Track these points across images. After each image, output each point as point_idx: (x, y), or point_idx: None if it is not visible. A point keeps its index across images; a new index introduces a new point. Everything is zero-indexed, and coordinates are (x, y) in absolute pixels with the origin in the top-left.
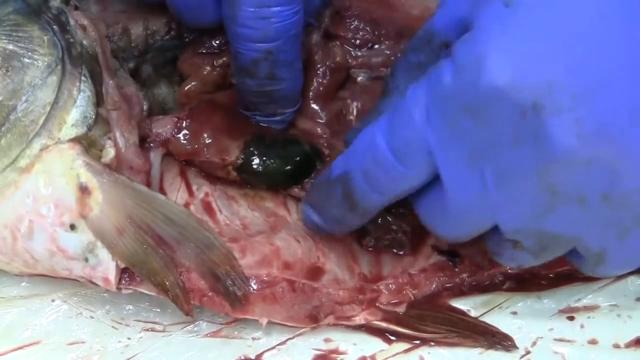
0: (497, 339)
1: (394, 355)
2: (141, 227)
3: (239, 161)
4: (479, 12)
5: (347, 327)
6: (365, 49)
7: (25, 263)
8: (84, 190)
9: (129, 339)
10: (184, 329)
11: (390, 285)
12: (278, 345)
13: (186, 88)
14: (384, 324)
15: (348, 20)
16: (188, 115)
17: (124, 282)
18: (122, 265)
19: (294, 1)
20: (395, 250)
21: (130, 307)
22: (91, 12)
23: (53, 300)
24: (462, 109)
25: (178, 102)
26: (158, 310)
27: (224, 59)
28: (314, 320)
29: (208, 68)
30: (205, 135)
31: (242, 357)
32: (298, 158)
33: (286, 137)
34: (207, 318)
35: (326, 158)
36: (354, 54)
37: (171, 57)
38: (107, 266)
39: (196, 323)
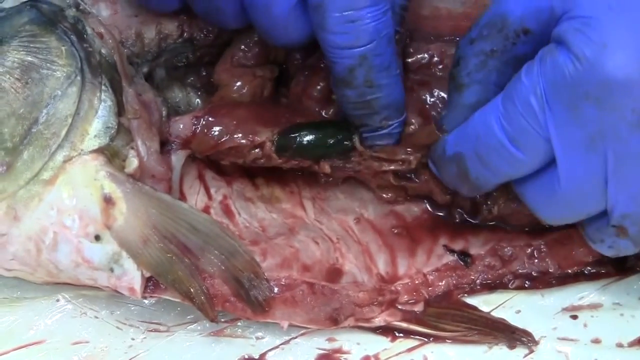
0: (517, 336)
1: (397, 355)
2: (166, 236)
3: (273, 139)
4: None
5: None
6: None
7: (48, 273)
8: (108, 200)
9: (132, 339)
10: (188, 328)
11: (407, 285)
12: (282, 344)
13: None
14: (404, 325)
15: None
16: (207, 112)
17: (148, 290)
18: (147, 275)
19: (381, 1)
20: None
21: (134, 307)
22: (102, 17)
23: (57, 300)
24: (583, 96)
25: (210, 102)
26: (162, 310)
27: (265, 71)
28: (334, 322)
29: (247, 79)
30: (230, 124)
31: (246, 356)
32: (334, 129)
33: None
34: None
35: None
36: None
37: (184, 60)
38: (132, 276)
39: (199, 322)
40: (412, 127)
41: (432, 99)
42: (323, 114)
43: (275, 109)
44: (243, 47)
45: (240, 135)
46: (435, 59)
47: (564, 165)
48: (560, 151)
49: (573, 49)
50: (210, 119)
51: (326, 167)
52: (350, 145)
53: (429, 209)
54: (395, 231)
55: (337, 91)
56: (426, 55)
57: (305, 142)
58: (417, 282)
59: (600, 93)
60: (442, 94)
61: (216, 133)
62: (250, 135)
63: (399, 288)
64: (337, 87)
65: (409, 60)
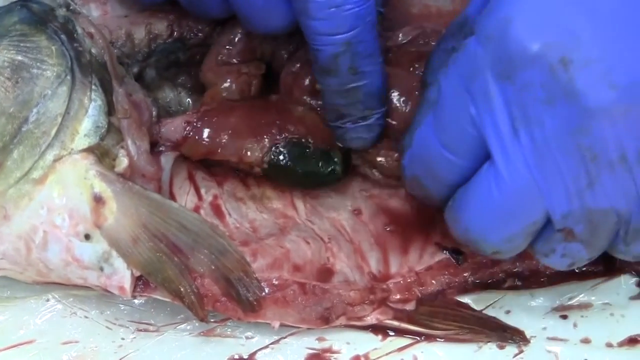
0: (509, 334)
1: (387, 354)
2: (156, 235)
3: (263, 161)
4: None
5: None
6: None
7: (38, 272)
8: (98, 200)
9: (122, 339)
10: (177, 328)
11: (399, 284)
12: (271, 344)
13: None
14: (395, 323)
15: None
16: (200, 116)
17: (138, 289)
18: (137, 274)
19: None
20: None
21: (124, 307)
22: (92, 17)
23: (47, 300)
24: (496, 76)
25: (201, 103)
26: (152, 310)
27: (251, 68)
28: (325, 321)
29: (233, 77)
30: (221, 134)
31: (236, 356)
32: (327, 166)
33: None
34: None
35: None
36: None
37: (174, 60)
38: (122, 275)
39: (189, 322)
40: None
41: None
42: (313, 103)
43: (266, 114)
44: (227, 45)
45: (230, 151)
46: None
47: (497, 157)
48: (492, 140)
49: (480, 30)
50: (201, 125)
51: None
52: (337, 175)
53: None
54: (388, 229)
55: (320, 80)
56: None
57: (291, 174)
58: (409, 280)
59: (512, 71)
60: None
61: (206, 142)
62: (240, 153)
63: (391, 286)
64: (321, 76)
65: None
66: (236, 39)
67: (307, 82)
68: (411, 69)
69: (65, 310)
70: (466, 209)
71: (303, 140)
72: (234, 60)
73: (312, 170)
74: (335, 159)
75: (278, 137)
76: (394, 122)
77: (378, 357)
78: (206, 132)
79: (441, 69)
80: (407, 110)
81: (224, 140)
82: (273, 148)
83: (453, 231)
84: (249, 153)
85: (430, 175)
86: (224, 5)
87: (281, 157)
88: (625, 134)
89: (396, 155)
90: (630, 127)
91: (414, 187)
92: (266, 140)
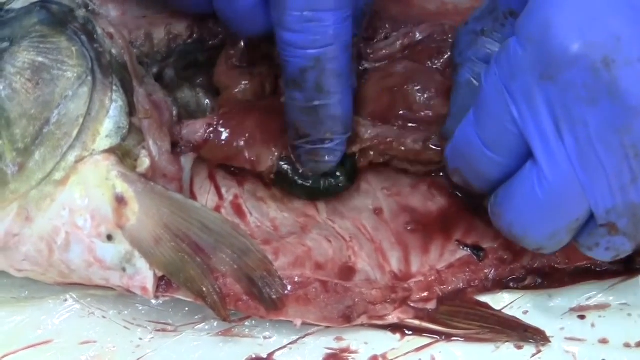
0: (530, 334)
1: (405, 354)
2: (178, 235)
3: (272, 171)
4: None
5: (359, 325)
6: (381, 42)
7: (60, 274)
8: (120, 200)
9: (140, 339)
10: (195, 328)
11: (420, 283)
12: (289, 344)
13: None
14: (416, 322)
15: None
16: (220, 120)
17: (161, 290)
18: (160, 274)
19: (343, 6)
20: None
21: (142, 307)
22: (111, 17)
23: (65, 300)
24: (539, 78)
25: (218, 106)
26: (170, 310)
27: (262, 69)
28: (347, 320)
29: (246, 79)
30: (238, 142)
31: (254, 356)
32: (330, 180)
33: None
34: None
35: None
36: (369, 50)
37: (193, 61)
38: (144, 275)
39: (207, 322)
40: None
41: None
42: None
43: (278, 120)
44: (236, 49)
45: (245, 157)
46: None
47: (540, 156)
48: (533, 140)
49: (521, 31)
50: (221, 129)
51: None
52: (341, 187)
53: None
54: (409, 227)
55: (286, 92)
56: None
57: (296, 186)
58: (430, 279)
59: (554, 71)
60: None
61: (225, 148)
62: (253, 161)
63: (412, 285)
64: (287, 88)
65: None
66: (243, 42)
67: None
68: (429, 64)
69: (83, 310)
70: (509, 206)
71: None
72: (243, 64)
73: (316, 185)
74: (338, 173)
75: (286, 147)
76: (421, 114)
77: (396, 357)
78: (225, 137)
79: (471, 46)
80: (430, 103)
81: (239, 147)
82: (281, 159)
83: (497, 225)
84: (261, 162)
85: (471, 171)
86: (207, 4)
87: (286, 169)
88: None
89: (430, 143)
90: None
91: (456, 178)
92: (275, 149)
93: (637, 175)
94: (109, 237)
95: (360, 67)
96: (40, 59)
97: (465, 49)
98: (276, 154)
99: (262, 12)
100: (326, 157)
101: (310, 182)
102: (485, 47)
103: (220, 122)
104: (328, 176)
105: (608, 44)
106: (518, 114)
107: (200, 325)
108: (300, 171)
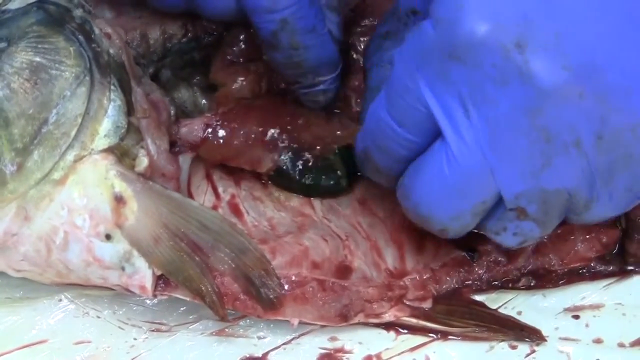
0: (526, 333)
1: (399, 354)
2: (176, 234)
3: (271, 172)
4: None
5: (353, 325)
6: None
7: (58, 274)
8: (119, 200)
9: (135, 338)
10: (190, 327)
11: (415, 280)
12: (284, 344)
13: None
14: (413, 320)
15: (362, 16)
16: (219, 120)
17: (159, 288)
18: (158, 273)
19: None
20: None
21: (137, 307)
22: (106, 18)
23: (60, 300)
24: (448, 57)
25: (216, 103)
26: (164, 310)
27: (258, 65)
28: (344, 318)
29: (242, 76)
30: (238, 143)
31: (248, 356)
32: (330, 180)
33: (322, 154)
34: (213, 317)
35: None
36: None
37: (189, 60)
38: (143, 274)
39: (202, 322)
40: None
41: None
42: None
43: (278, 119)
44: (232, 45)
45: (244, 158)
46: None
47: (449, 138)
48: (442, 120)
49: (433, 14)
50: (220, 128)
51: None
52: (341, 187)
53: None
54: (404, 225)
55: (265, 53)
56: None
57: (296, 184)
58: (424, 277)
59: (462, 52)
60: None
61: (223, 149)
62: (254, 162)
63: (408, 283)
64: (265, 49)
65: None
66: (241, 37)
67: None
68: None
69: (78, 310)
70: (416, 185)
71: (307, 152)
72: (240, 60)
73: (316, 183)
74: (339, 172)
75: (286, 146)
76: None
77: (390, 357)
78: (224, 137)
79: (377, 49)
80: None
81: (239, 148)
82: (281, 157)
83: (404, 207)
84: (262, 163)
85: (380, 150)
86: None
87: (286, 168)
88: (579, 117)
89: None
90: (585, 110)
91: (364, 163)
92: (274, 149)
93: (548, 161)
94: (108, 237)
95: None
96: (38, 59)
97: (371, 54)
98: (277, 155)
99: None
100: (321, 97)
101: (311, 180)
102: (389, 50)
103: (219, 122)
104: (329, 174)
105: (521, 29)
106: (427, 92)
107: (194, 325)
108: (300, 169)
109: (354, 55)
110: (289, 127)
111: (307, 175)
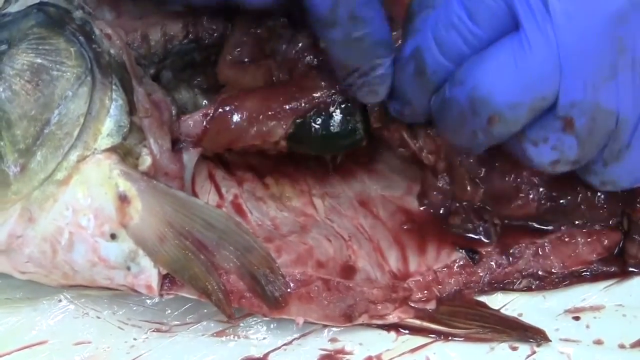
0: (530, 334)
1: (400, 355)
2: (181, 233)
3: (290, 130)
4: None
5: (353, 326)
6: None
7: (64, 275)
8: (123, 199)
9: (135, 339)
10: (190, 328)
11: (419, 282)
12: (284, 345)
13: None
14: (417, 322)
15: None
16: (217, 106)
17: (165, 287)
18: (164, 272)
19: None
20: (478, 237)
21: (137, 307)
22: (106, 19)
23: (60, 301)
24: None
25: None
26: (164, 310)
27: (268, 61)
28: (348, 319)
29: (253, 70)
30: (242, 121)
31: (248, 357)
32: (349, 126)
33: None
34: (213, 317)
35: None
36: None
37: (190, 61)
38: (149, 273)
39: (202, 322)
40: None
41: None
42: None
43: (284, 92)
44: (236, 45)
45: (253, 134)
46: None
47: (528, 29)
48: (523, 14)
49: None
50: (219, 115)
51: None
52: (360, 133)
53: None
54: (405, 227)
55: (323, 35)
56: None
57: (315, 141)
58: (428, 279)
59: None
60: None
61: (227, 132)
62: (264, 135)
63: (412, 285)
64: (323, 31)
65: None
66: (244, 38)
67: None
68: None
69: (78, 310)
70: (478, 70)
71: (321, 106)
72: (245, 59)
73: (333, 133)
74: (357, 117)
75: (298, 110)
76: None
77: (391, 358)
78: (225, 121)
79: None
80: None
81: (244, 126)
82: (296, 121)
83: (459, 89)
84: (270, 137)
85: (439, 44)
86: None
87: (303, 129)
88: None
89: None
90: None
91: (405, 69)
92: (286, 116)
93: (614, 75)
94: (113, 236)
95: None
96: (39, 60)
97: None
98: (289, 121)
99: None
100: (381, 87)
101: (327, 130)
102: None
103: (218, 107)
104: (345, 121)
105: None
106: None
107: (195, 326)
108: (314, 126)
109: None
110: (297, 95)
111: (322, 129)
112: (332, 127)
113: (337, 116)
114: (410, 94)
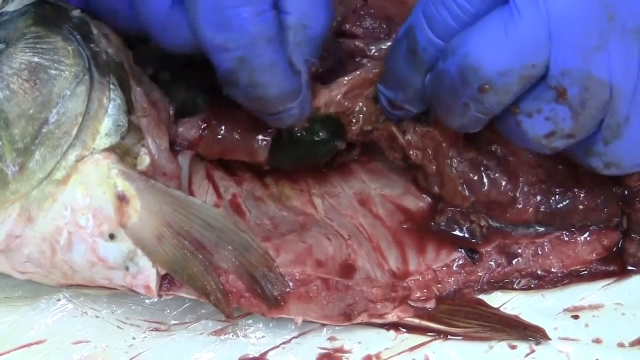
0: (530, 332)
1: (399, 354)
2: (180, 232)
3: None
4: None
5: (352, 325)
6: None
7: (63, 275)
8: (122, 198)
9: (133, 338)
10: (189, 327)
11: (418, 281)
12: (282, 344)
13: None
14: (416, 321)
15: (364, 18)
16: (212, 115)
17: (164, 288)
18: (163, 272)
19: (255, 1)
20: (464, 235)
21: (135, 306)
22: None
23: (58, 300)
24: None
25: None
26: (163, 309)
27: None
28: (347, 318)
29: None
30: (232, 134)
31: (247, 356)
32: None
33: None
34: (211, 317)
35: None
36: (367, 51)
37: (188, 62)
38: (148, 273)
39: (200, 321)
40: None
41: None
42: None
43: None
44: None
45: (240, 151)
46: None
47: (518, 0)
48: None
49: None
50: (215, 124)
51: None
52: (339, 140)
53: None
54: (405, 226)
55: (225, 89)
56: None
57: (292, 154)
58: (427, 278)
59: None
60: None
61: (220, 143)
62: (252, 153)
63: (411, 284)
64: (224, 86)
65: None
66: None
67: None
68: None
69: (76, 309)
70: (468, 39)
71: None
72: None
73: (312, 141)
74: (329, 130)
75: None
76: None
77: (390, 357)
78: (219, 131)
79: None
80: None
81: (234, 140)
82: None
83: (450, 60)
84: (258, 152)
85: (426, 21)
86: (132, 19)
87: (279, 145)
88: None
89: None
90: None
91: (401, 44)
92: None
93: (604, 43)
94: (111, 236)
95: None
96: (36, 59)
97: None
98: (267, 140)
99: (180, 18)
100: (287, 120)
101: (306, 142)
102: None
103: (213, 117)
104: (323, 131)
105: None
106: None
107: (193, 325)
108: (293, 138)
109: (357, 59)
110: None
111: (300, 141)
112: (307, 141)
113: (306, 133)
114: (403, 75)
